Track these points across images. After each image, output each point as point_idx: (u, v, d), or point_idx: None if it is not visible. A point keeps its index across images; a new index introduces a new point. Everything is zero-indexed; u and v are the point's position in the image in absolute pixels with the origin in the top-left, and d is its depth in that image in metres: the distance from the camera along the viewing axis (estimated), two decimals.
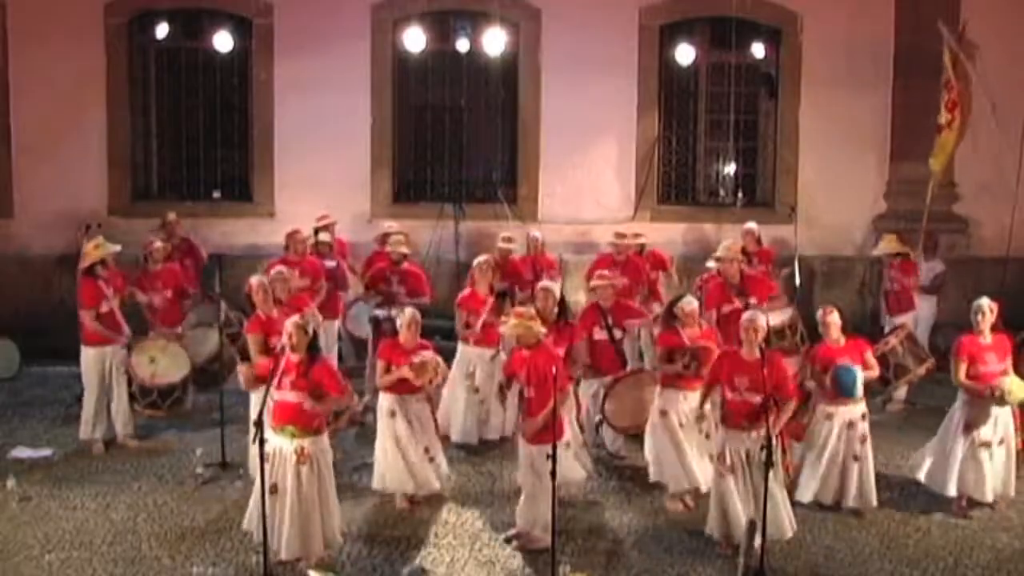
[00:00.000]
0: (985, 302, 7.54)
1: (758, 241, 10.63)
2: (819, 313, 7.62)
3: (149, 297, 9.22)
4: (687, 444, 7.52)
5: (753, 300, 8.59)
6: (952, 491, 7.52)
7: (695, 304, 7.79)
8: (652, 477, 7.75)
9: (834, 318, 7.50)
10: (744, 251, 9.78)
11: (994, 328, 7.51)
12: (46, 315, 11.26)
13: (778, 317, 9.36)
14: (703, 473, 7.42)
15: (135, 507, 7.54)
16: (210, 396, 8.51)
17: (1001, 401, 7.38)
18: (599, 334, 8.26)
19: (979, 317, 7.46)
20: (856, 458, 7.39)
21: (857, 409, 7.44)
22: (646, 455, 7.81)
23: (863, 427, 7.43)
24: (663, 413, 7.56)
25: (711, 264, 9.75)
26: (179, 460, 8.48)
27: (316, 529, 6.47)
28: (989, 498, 7.54)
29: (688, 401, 7.53)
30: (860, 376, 7.42)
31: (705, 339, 7.58)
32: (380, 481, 7.55)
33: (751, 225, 10.71)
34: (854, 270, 12.32)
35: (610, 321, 8.30)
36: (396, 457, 7.41)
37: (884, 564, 6.80)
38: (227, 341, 8.66)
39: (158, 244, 9.62)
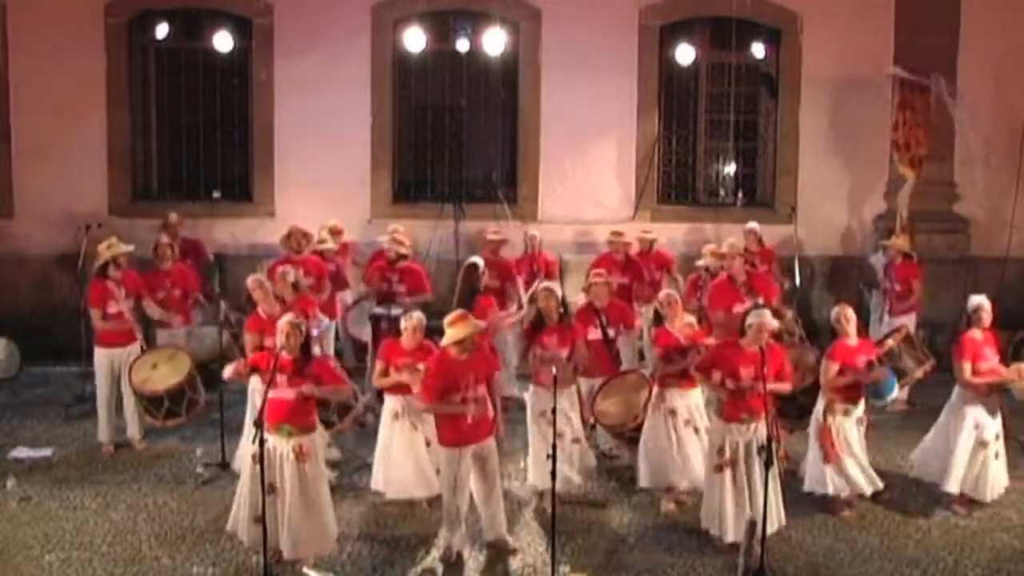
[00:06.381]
0: (985, 299, 7.67)
1: (760, 241, 10.63)
2: (835, 311, 7.57)
3: (159, 297, 9.19)
4: (689, 442, 7.50)
5: (760, 300, 8.58)
6: (954, 488, 7.50)
7: (674, 293, 7.79)
8: (642, 482, 7.65)
9: (851, 315, 7.50)
10: (746, 251, 9.80)
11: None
12: (46, 315, 11.26)
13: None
14: (698, 471, 7.40)
15: (135, 507, 7.55)
16: (210, 396, 8.50)
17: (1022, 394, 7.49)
18: (593, 334, 8.18)
19: (981, 314, 7.57)
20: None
21: (863, 406, 7.54)
22: (639, 459, 7.71)
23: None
24: (671, 412, 7.50)
25: (700, 263, 9.80)
26: (179, 460, 8.49)
27: (325, 524, 6.54)
28: (988, 498, 7.56)
29: (687, 399, 7.52)
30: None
31: (699, 338, 7.57)
32: (385, 486, 7.48)
33: (753, 225, 10.71)
34: (854, 270, 12.31)
35: (604, 321, 8.26)
36: (403, 461, 7.37)
37: (884, 564, 6.80)
38: (228, 341, 8.67)
39: (164, 240, 9.64)
